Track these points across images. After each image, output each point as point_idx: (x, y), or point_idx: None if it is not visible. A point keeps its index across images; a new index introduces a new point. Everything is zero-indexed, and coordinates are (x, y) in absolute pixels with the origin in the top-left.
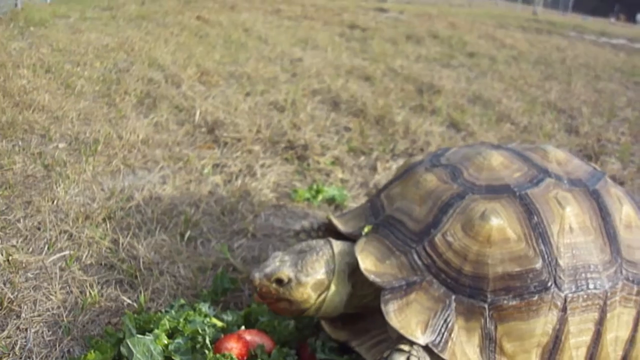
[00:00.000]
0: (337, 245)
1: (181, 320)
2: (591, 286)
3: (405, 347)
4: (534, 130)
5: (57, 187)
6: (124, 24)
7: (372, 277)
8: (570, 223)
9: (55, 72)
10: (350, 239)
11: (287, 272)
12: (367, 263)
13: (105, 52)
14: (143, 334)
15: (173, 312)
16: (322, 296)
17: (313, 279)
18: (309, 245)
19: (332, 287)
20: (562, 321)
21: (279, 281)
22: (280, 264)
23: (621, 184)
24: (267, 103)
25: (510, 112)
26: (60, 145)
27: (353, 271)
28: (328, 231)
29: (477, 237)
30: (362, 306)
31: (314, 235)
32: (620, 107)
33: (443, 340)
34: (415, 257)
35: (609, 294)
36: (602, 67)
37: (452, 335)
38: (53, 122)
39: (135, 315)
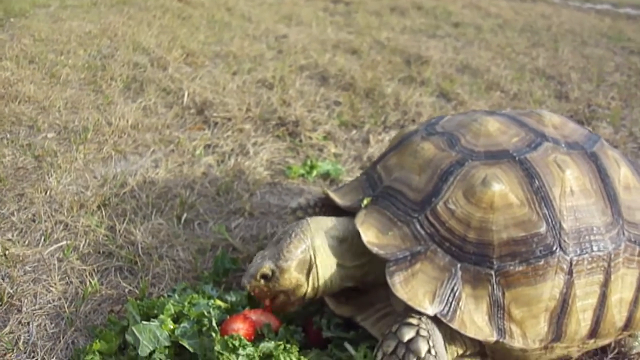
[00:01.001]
0: (315, 221)
1: (185, 304)
2: (595, 248)
3: (414, 321)
4: (524, 97)
5: (49, 178)
6: (106, 10)
7: (375, 250)
8: (571, 186)
9: (39, 62)
10: (349, 212)
11: (267, 265)
12: (369, 235)
13: (89, 39)
14: (147, 320)
15: (176, 296)
16: (312, 275)
17: (293, 261)
18: (284, 231)
19: (319, 264)
20: (569, 285)
21: (265, 277)
22: (261, 261)
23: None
24: (255, 81)
25: (499, 80)
26: (49, 135)
27: (342, 243)
28: (325, 207)
29: (479, 204)
30: (365, 280)
31: (311, 212)
32: (608, 72)
33: (451, 309)
34: (418, 226)
35: (612, 256)
36: (589, 33)
37: (460, 304)
38: (40, 112)
39: (138, 302)
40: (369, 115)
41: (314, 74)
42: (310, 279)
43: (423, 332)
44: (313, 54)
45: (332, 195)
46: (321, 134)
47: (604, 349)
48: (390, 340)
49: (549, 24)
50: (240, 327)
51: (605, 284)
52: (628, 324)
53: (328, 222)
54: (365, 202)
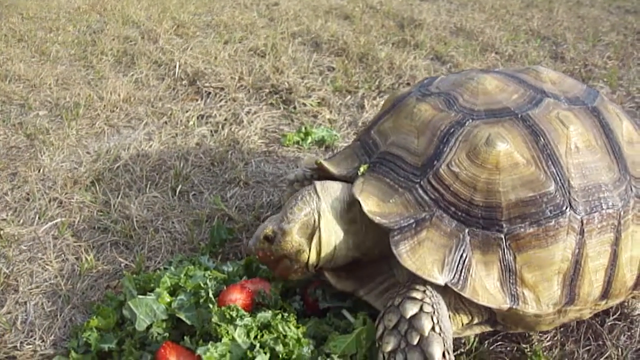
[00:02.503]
0: (322, 185)
1: (182, 276)
2: (604, 206)
3: (418, 295)
4: (519, 58)
5: (41, 156)
6: None
7: (377, 219)
8: (576, 142)
9: (28, 40)
10: (346, 181)
11: (271, 227)
12: (370, 204)
13: (78, 14)
14: (144, 294)
15: (172, 268)
16: (315, 240)
17: (296, 223)
18: (294, 195)
19: (323, 228)
20: (581, 245)
21: (268, 238)
22: (267, 223)
23: None
24: (247, 49)
25: (494, 41)
26: (41, 113)
27: (349, 208)
28: (322, 177)
29: (484, 165)
30: (371, 251)
31: (307, 184)
32: (604, 32)
33: (462, 277)
34: (421, 192)
35: (622, 213)
36: None
37: (471, 271)
38: (31, 90)
39: (134, 276)
40: (363, 80)
41: (306, 40)
42: (314, 244)
43: (427, 308)
44: (305, 20)
45: (326, 165)
46: (315, 101)
47: (606, 310)
48: (392, 314)
49: None
50: (237, 298)
51: (616, 243)
52: (638, 283)
53: (335, 187)
54: (362, 169)
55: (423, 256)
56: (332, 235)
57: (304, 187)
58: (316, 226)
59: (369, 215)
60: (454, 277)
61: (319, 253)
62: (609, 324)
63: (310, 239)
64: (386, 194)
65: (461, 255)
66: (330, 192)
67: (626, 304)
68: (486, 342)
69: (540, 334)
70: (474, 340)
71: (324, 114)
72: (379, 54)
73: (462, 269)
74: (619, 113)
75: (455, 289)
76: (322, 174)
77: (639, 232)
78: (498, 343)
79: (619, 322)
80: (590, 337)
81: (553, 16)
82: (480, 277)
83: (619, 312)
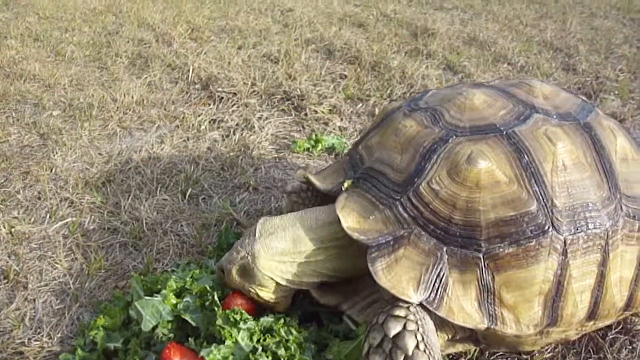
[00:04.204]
0: (263, 224)
1: (188, 279)
2: (591, 226)
3: (401, 312)
4: (531, 69)
5: (54, 155)
6: None
7: (355, 235)
8: (564, 160)
9: (44, 40)
10: (331, 196)
11: (222, 261)
12: (350, 220)
13: (93, 16)
14: (151, 295)
15: (180, 271)
16: (259, 280)
17: (234, 265)
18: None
19: (262, 269)
20: (563, 266)
21: (222, 271)
22: (227, 254)
23: (621, 121)
24: (261, 55)
25: (506, 52)
26: (55, 113)
27: (295, 242)
28: (317, 190)
29: (464, 183)
30: (339, 272)
31: (304, 195)
32: (617, 44)
33: (438, 296)
34: (401, 209)
35: (610, 233)
36: (598, 4)
37: (447, 290)
38: (45, 90)
39: (142, 277)
40: (374, 88)
41: (319, 47)
42: (256, 283)
43: (411, 326)
44: (319, 27)
45: (313, 179)
46: (327, 108)
47: (609, 325)
48: (376, 332)
49: None
50: (242, 303)
51: (603, 263)
52: (630, 304)
53: (278, 223)
54: (346, 184)
55: (399, 274)
56: (276, 272)
57: (300, 198)
58: (252, 268)
59: (347, 232)
60: (429, 296)
61: (265, 290)
62: (611, 337)
63: (250, 279)
64: (367, 210)
65: (438, 274)
66: (271, 231)
67: (628, 319)
68: (487, 352)
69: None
70: (475, 351)
71: (334, 121)
72: (392, 62)
73: (438, 288)
74: (614, 129)
75: (431, 308)
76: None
77: (630, 252)
78: (499, 354)
79: (621, 336)
80: (591, 350)
81: (566, 28)
82: (457, 297)
83: (620, 326)
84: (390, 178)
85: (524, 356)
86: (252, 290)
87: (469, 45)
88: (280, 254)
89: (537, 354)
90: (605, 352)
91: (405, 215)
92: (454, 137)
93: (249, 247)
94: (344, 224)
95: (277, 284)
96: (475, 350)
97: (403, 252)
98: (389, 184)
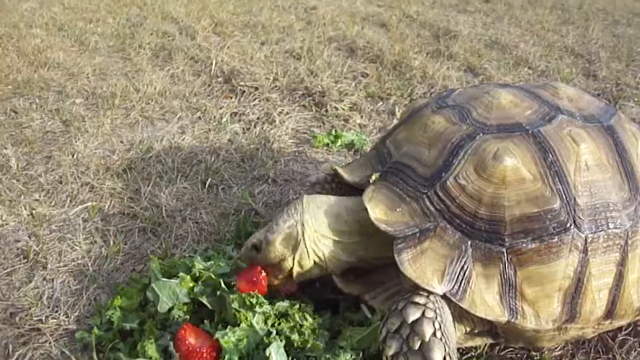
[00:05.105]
0: (310, 198)
1: (205, 263)
2: (611, 225)
3: (421, 300)
4: (552, 74)
5: (76, 142)
6: None
7: (383, 226)
8: (587, 160)
9: (69, 30)
10: (358, 188)
11: (258, 237)
12: (377, 212)
13: (118, 7)
14: (169, 278)
15: (198, 257)
16: (300, 251)
17: (279, 234)
18: (284, 208)
19: (307, 239)
20: (584, 263)
21: (255, 247)
22: (257, 233)
23: None
24: (283, 51)
25: (527, 56)
26: (77, 101)
27: (337, 219)
28: (342, 182)
29: (491, 179)
30: (367, 259)
31: (327, 187)
32: (639, 51)
33: (461, 288)
34: (427, 202)
35: (629, 234)
36: (621, 12)
37: (471, 282)
38: (69, 78)
39: (160, 261)
40: (395, 87)
41: (341, 45)
42: (298, 254)
43: (429, 313)
44: (342, 25)
45: (341, 172)
46: (347, 105)
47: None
48: (394, 318)
49: (580, 2)
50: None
51: (622, 263)
52: None
53: (324, 199)
54: (373, 177)
55: (424, 265)
56: (320, 245)
57: (324, 189)
58: (299, 238)
59: (375, 223)
60: (453, 288)
61: (301, 264)
62: (620, 339)
63: (293, 250)
64: (394, 203)
65: (462, 267)
66: (317, 203)
67: (639, 322)
68: (497, 348)
69: None
70: (485, 345)
71: (355, 118)
72: (413, 62)
73: (462, 280)
74: (636, 132)
75: (454, 299)
76: (339, 180)
77: None
78: (509, 349)
79: (630, 338)
80: (601, 350)
81: (588, 34)
82: (479, 290)
83: (630, 328)
84: (417, 172)
85: (533, 353)
86: (288, 265)
87: (490, 48)
88: (326, 227)
89: (546, 352)
90: (614, 353)
91: (432, 208)
92: (481, 134)
93: (297, 216)
94: (372, 215)
95: (315, 260)
96: (485, 345)
97: (429, 244)
98: (417, 177)
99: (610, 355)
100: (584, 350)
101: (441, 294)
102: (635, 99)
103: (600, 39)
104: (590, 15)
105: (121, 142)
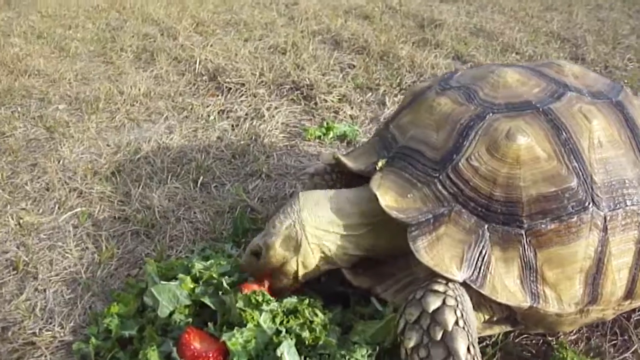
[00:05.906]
0: (305, 194)
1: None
2: (629, 203)
3: (440, 288)
4: (540, 59)
5: (61, 147)
6: None
7: (394, 214)
8: (599, 137)
9: (48, 37)
10: (363, 176)
11: (257, 242)
12: (387, 199)
13: (96, 13)
14: (166, 281)
15: (196, 256)
16: (303, 250)
17: (278, 237)
18: (280, 208)
19: (309, 237)
20: (604, 242)
21: (255, 254)
22: (256, 239)
23: None
24: (267, 47)
25: (514, 42)
26: (61, 107)
27: (338, 212)
28: (342, 172)
29: (504, 159)
30: (376, 249)
31: (328, 178)
32: (624, 34)
33: (481, 274)
34: (440, 186)
35: None
36: None
37: (490, 268)
38: (51, 85)
39: (157, 263)
40: (384, 77)
41: (326, 38)
42: (301, 255)
43: (450, 301)
44: (325, 19)
45: (343, 160)
46: (336, 97)
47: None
48: (413, 308)
49: None
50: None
51: None
52: None
53: (321, 194)
54: (380, 164)
55: (441, 252)
56: (320, 243)
57: (324, 180)
58: (300, 238)
59: (386, 211)
60: (472, 274)
61: (305, 264)
62: (635, 319)
63: (295, 251)
64: (404, 189)
65: (480, 252)
66: (316, 200)
67: None
68: (512, 334)
69: None
70: (499, 334)
71: (345, 110)
72: (400, 52)
73: (481, 266)
74: None
75: (474, 286)
76: (341, 169)
77: None
78: (524, 335)
79: None
80: (617, 332)
81: (572, 19)
82: (499, 275)
83: None
84: (426, 156)
85: (549, 339)
86: (292, 268)
87: (476, 35)
88: (327, 222)
89: (562, 337)
90: (630, 333)
91: (445, 192)
92: (491, 113)
93: (294, 216)
94: (382, 203)
95: (321, 257)
96: (499, 333)
97: (444, 230)
98: (426, 161)
99: (626, 337)
100: (599, 333)
101: (461, 280)
102: (625, 81)
103: (585, 24)
104: (573, 1)
105: (108, 145)
